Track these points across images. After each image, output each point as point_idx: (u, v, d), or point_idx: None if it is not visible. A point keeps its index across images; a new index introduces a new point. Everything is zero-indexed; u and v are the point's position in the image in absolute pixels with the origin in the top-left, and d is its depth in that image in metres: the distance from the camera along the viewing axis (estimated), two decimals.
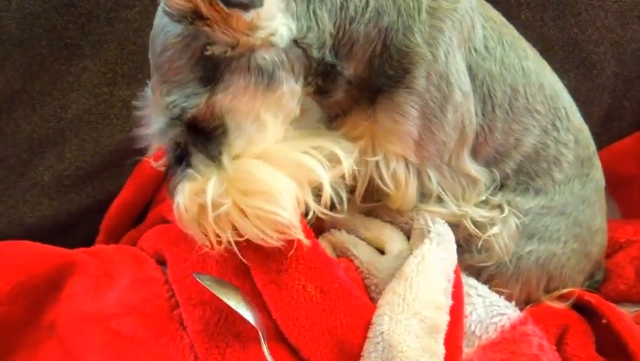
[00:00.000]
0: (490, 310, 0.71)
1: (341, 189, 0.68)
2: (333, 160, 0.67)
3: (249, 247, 0.67)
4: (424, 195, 0.76)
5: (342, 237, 0.77)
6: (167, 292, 0.71)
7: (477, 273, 0.78)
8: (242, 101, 0.61)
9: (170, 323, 0.69)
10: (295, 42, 0.62)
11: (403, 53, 0.68)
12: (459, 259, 0.74)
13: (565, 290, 0.81)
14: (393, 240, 0.75)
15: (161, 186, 0.94)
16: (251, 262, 0.68)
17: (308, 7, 0.62)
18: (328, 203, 0.66)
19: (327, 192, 0.65)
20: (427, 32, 0.69)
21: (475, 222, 0.76)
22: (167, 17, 0.59)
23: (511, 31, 0.79)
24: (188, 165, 0.64)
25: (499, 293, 0.76)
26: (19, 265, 0.73)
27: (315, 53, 0.64)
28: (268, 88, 0.62)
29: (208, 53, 0.58)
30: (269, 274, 0.67)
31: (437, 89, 0.70)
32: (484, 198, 0.77)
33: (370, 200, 0.78)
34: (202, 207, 0.62)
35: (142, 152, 0.93)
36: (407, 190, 0.74)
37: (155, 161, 0.72)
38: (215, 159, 0.63)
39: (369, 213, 0.80)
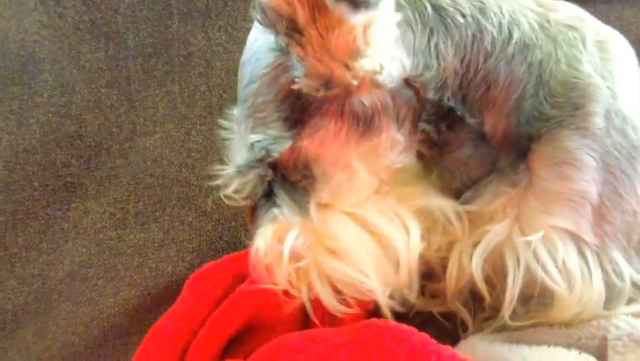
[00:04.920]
0: None
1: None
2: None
3: None
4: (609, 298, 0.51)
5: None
6: None
7: None
8: (331, 149, 0.51)
9: None
10: (406, 81, 0.50)
11: (570, 85, 0.52)
12: None
13: None
14: None
15: (184, 355, 0.63)
16: None
17: (429, 40, 0.50)
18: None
19: (404, 275, 0.53)
20: (599, 64, 0.53)
21: None
22: (259, 30, 0.50)
23: None
24: (274, 205, 0.55)
25: None
26: None
27: (430, 95, 0.51)
28: (363, 136, 0.51)
29: (295, 86, 0.47)
30: None
31: (621, 133, 0.51)
32: None
33: (522, 315, 0.53)
34: (280, 256, 0.53)
35: (161, 308, 0.67)
36: (587, 288, 0.50)
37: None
38: (300, 205, 0.54)
39: (517, 339, 0.52)
